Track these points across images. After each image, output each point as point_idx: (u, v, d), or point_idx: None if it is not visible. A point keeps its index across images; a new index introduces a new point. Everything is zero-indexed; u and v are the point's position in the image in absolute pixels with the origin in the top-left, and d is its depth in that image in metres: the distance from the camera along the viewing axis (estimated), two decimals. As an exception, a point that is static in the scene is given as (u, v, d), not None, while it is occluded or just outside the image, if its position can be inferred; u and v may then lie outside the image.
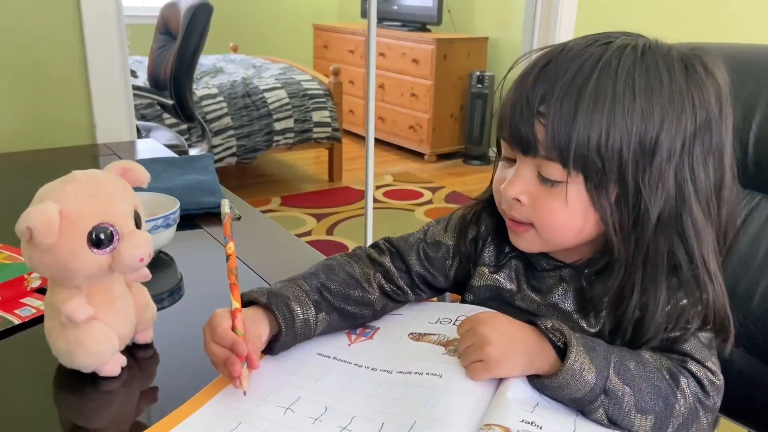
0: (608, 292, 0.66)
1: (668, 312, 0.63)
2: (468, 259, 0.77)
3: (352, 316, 0.73)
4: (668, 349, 0.64)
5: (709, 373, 0.63)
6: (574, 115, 0.60)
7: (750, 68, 0.88)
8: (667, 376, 0.61)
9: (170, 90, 2.64)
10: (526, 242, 0.70)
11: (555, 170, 0.63)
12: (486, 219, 0.76)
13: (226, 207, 0.69)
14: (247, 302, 0.69)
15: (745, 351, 0.85)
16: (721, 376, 0.64)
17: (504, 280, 0.74)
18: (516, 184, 0.66)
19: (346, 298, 0.73)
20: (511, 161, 0.68)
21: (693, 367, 0.63)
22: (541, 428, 0.57)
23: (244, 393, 0.63)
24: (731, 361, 0.84)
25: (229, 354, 0.63)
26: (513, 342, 0.62)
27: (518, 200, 0.66)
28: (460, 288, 0.78)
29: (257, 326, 0.66)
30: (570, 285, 0.70)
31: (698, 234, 0.63)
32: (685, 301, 0.64)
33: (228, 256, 0.68)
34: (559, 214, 0.64)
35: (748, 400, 0.85)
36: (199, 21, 2.59)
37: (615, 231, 0.63)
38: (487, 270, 0.75)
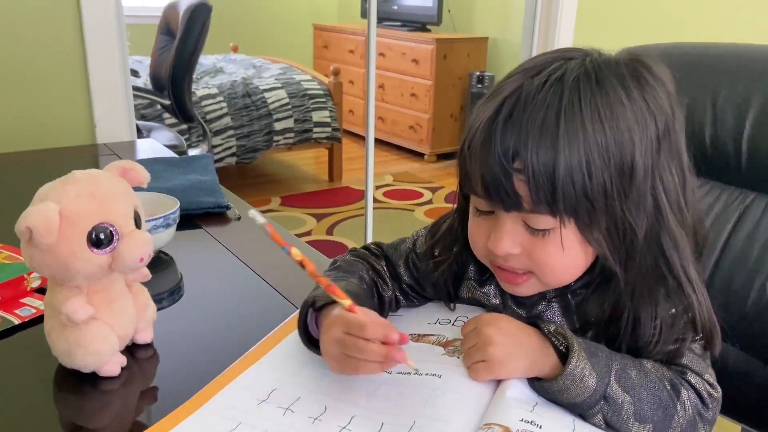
0: (602, 312, 0.65)
1: (660, 323, 0.63)
2: (454, 275, 0.76)
3: None
4: (666, 363, 0.64)
5: (707, 386, 0.63)
6: (554, 164, 0.57)
7: (743, 68, 0.89)
8: (669, 387, 0.61)
9: (168, 90, 2.64)
10: (525, 289, 0.67)
11: (544, 221, 0.61)
12: (464, 234, 0.72)
13: (259, 218, 0.61)
14: (322, 305, 0.67)
15: (740, 349, 0.86)
16: (719, 389, 0.64)
17: (489, 296, 0.74)
18: (504, 239, 0.62)
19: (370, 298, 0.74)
20: (488, 212, 0.65)
21: (692, 379, 0.63)
22: (540, 427, 0.57)
23: (416, 369, 0.63)
24: (726, 358, 0.85)
25: (387, 348, 0.60)
26: (516, 344, 0.62)
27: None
28: (451, 298, 0.78)
29: (370, 311, 0.65)
30: (554, 301, 0.69)
31: (676, 244, 0.62)
32: (674, 310, 0.63)
33: (301, 263, 0.62)
34: (559, 259, 0.62)
35: (743, 397, 0.85)
36: (197, 21, 2.59)
37: (614, 259, 0.62)
38: (473, 283, 0.75)
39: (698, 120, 0.90)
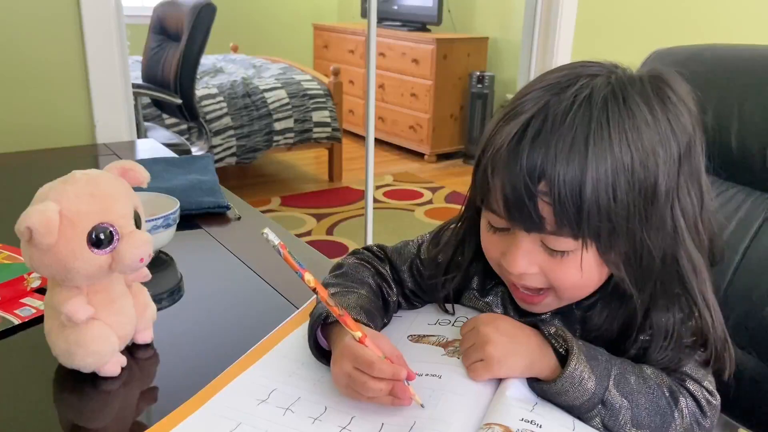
0: (610, 330, 0.65)
1: (663, 329, 0.63)
2: (457, 287, 0.76)
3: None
4: (666, 369, 0.64)
5: (706, 393, 0.63)
6: (580, 186, 0.56)
7: None
8: (667, 394, 0.61)
9: (177, 89, 2.65)
10: (542, 308, 0.67)
11: (565, 243, 0.59)
12: (470, 247, 0.72)
13: (272, 238, 0.58)
14: (332, 320, 0.66)
15: (758, 358, 0.83)
16: (718, 396, 0.64)
17: (492, 305, 0.74)
18: (521, 259, 0.62)
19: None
20: (503, 229, 0.64)
21: (691, 386, 0.63)
22: (540, 427, 0.57)
23: (422, 406, 0.60)
24: (743, 368, 0.81)
25: (393, 383, 0.59)
26: (514, 342, 0.62)
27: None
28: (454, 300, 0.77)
29: (382, 339, 0.63)
30: (558, 314, 0.69)
31: (694, 267, 0.62)
32: (680, 315, 0.63)
33: (314, 290, 0.62)
34: (576, 280, 0.62)
35: (761, 406, 0.83)
36: (204, 21, 2.60)
37: (630, 281, 0.61)
38: (475, 293, 0.75)
39: (724, 122, 0.87)
